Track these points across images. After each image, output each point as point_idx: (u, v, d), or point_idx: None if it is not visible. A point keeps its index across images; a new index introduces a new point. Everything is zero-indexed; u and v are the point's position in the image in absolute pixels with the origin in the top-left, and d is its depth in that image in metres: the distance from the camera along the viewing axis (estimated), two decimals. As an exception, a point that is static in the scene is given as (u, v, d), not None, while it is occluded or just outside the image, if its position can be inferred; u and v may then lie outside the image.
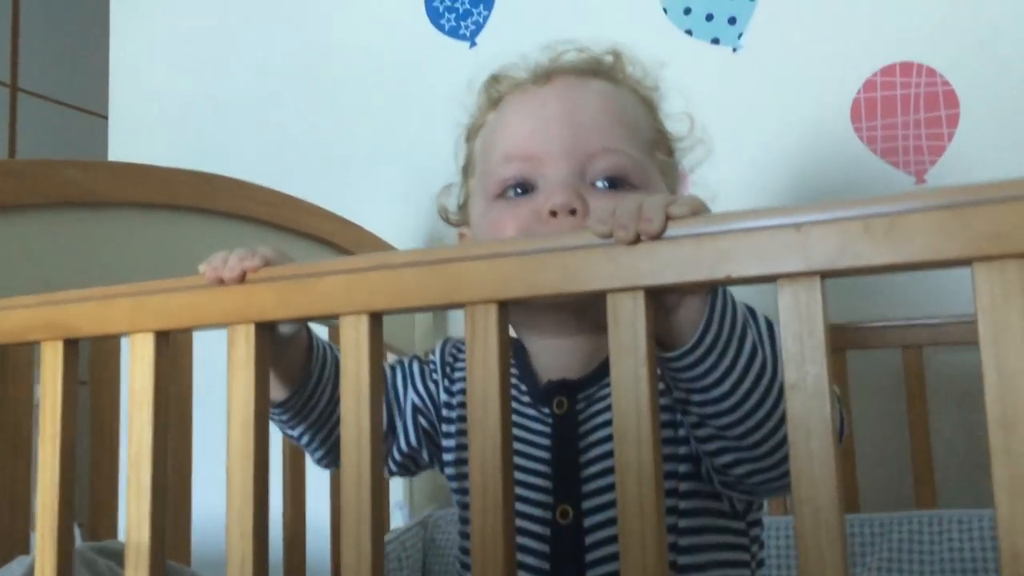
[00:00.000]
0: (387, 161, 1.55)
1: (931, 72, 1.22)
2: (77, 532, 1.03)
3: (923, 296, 1.15)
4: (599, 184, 0.71)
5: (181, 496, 0.94)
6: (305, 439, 0.79)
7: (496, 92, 0.81)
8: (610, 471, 0.68)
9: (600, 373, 0.73)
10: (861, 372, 1.21)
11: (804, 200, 1.28)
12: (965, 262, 0.43)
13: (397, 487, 1.31)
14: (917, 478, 1.14)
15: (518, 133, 0.76)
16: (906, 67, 1.23)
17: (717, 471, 0.64)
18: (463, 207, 0.85)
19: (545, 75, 0.78)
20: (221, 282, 0.58)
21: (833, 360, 1.24)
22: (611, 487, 0.67)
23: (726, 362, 0.56)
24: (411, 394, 0.83)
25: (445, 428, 0.81)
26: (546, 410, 0.74)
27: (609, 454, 0.68)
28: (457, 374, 0.81)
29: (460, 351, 0.83)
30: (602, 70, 0.79)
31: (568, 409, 0.73)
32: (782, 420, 0.55)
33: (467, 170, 0.85)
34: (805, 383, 0.45)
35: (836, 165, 1.25)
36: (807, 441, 0.45)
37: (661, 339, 0.56)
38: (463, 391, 0.79)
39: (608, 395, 0.69)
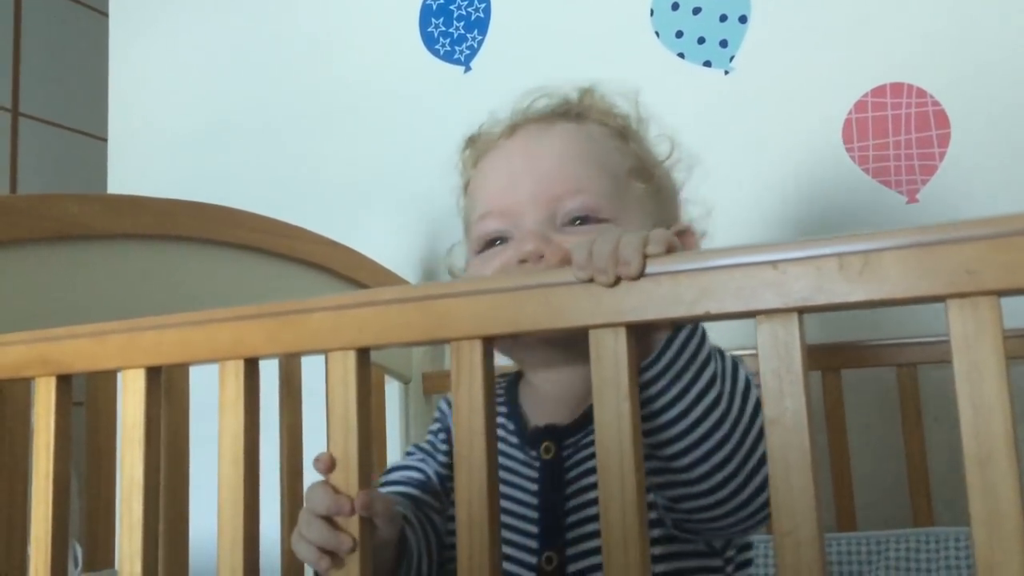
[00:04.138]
0: (383, 185, 1.56)
1: (921, 92, 1.22)
2: (79, 552, 1.04)
3: (918, 313, 1.15)
4: (572, 224, 0.74)
5: (178, 526, 0.94)
6: None
7: (475, 151, 0.85)
8: (594, 519, 0.69)
9: (586, 420, 0.73)
10: (856, 391, 1.21)
11: (797, 219, 1.28)
12: (939, 299, 0.44)
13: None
14: (914, 496, 1.14)
15: (490, 189, 0.80)
16: (896, 87, 1.24)
17: (667, 508, 0.65)
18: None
19: (511, 128, 0.82)
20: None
21: (828, 379, 1.25)
22: (595, 534, 0.68)
23: (681, 384, 0.57)
24: (436, 469, 0.81)
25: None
26: (534, 454, 0.75)
27: (594, 502, 0.69)
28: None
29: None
30: (568, 111, 0.82)
31: (555, 455, 0.74)
32: (729, 458, 0.57)
33: (464, 228, 0.88)
34: (784, 418, 0.46)
35: (829, 185, 1.26)
36: (787, 475, 0.46)
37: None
38: None
39: (593, 442, 0.70)
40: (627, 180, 0.78)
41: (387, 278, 1.33)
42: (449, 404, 0.85)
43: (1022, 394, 1.14)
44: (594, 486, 0.69)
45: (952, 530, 1.09)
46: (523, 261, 0.72)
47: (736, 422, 0.58)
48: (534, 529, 0.72)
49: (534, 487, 0.73)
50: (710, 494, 0.59)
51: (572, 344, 0.69)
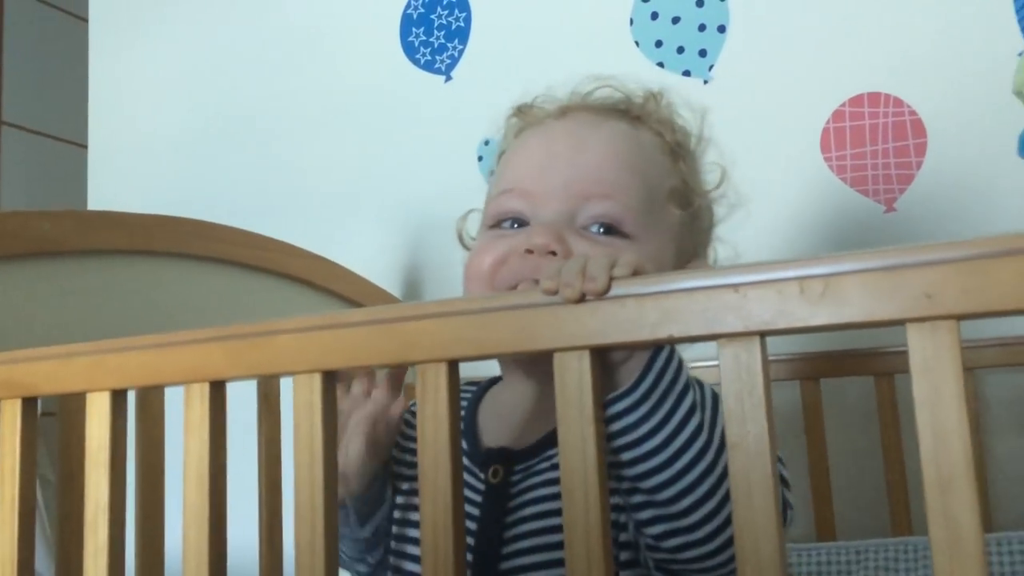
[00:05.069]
0: (364, 195, 1.56)
1: (898, 102, 1.23)
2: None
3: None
4: (593, 229, 0.70)
5: (151, 547, 0.93)
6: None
7: (520, 122, 0.81)
8: (528, 552, 0.66)
9: (542, 446, 0.70)
10: (835, 400, 1.21)
11: (774, 229, 1.28)
12: (898, 323, 0.43)
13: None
14: (892, 505, 1.14)
15: (520, 167, 0.76)
16: (874, 97, 1.24)
17: (650, 547, 0.61)
18: None
19: (563, 110, 0.77)
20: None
21: (807, 388, 1.24)
22: (528, 568, 0.66)
23: (661, 413, 0.55)
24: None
25: (395, 484, 0.77)
26: (481, 476, 0.71)
27: (532, 534, 0.66)
28: (410, 431, 0.78)
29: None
30: (627, 110, 0.77)
31: (502, 480, 0.70)
32: (714, 490, 0.55)
33: (487, 197, 0.83)
34: (746, 442, 0.46)
35: (807, 194, 1.26)
36: (749, 499, 0.46)
37: (604, 389, 0.55)
38: (413, 449, 0.77)
39: (546, 469, 0.68)
40: (664, 201, 0.74)
41: (367, 290, 1.32)
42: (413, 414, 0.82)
43: (1021, 401, 1.16)
44: (535, 517, 0.67)
45: (931, 539, 1.09)
46: (529, 252, 0.68)
47: (719, 451, 0.56)
48: (467, 557, 0.67)
49: (475, 512, 0.69)
50: (697, 528, 0.57)
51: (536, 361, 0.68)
